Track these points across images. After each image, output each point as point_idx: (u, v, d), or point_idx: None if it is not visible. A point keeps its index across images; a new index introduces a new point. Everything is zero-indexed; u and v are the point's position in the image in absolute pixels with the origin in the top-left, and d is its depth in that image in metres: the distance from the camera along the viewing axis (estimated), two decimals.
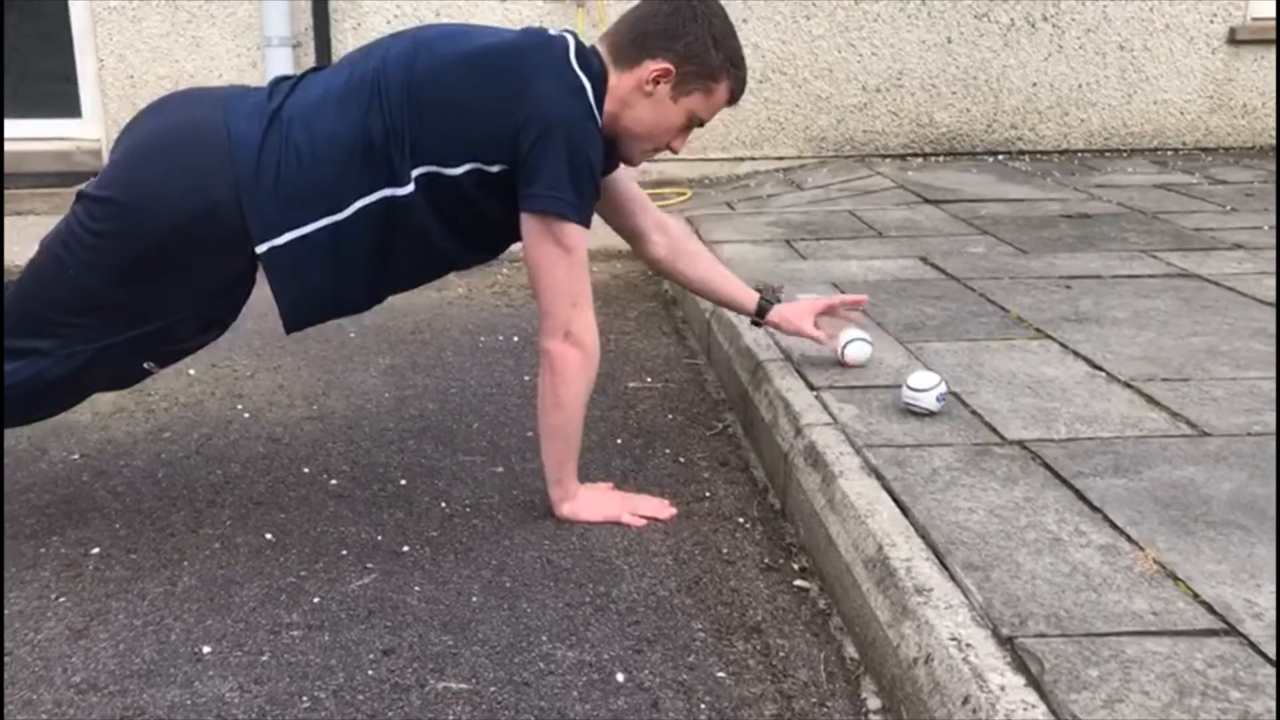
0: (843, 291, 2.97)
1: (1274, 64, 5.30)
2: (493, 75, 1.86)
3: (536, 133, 1.82)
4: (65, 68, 5.01)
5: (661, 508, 2.06)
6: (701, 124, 2.03)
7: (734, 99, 2.02)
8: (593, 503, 2.05)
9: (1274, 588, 1.49)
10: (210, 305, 1.93)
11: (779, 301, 2.36)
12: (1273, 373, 2.32)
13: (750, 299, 2.35)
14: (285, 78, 1.97)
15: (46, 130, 4.98)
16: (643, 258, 2.34)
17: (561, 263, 1.89)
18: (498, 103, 1.84)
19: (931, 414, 2.10)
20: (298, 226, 1.84)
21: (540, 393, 1.98)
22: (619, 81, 1.93)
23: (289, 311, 1.93)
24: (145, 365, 1.96)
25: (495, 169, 1.87)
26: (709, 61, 1.93)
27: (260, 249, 1.83)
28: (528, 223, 1.88)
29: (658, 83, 1.92)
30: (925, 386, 2.11)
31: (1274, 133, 5.39)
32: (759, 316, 2.36)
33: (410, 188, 1.86)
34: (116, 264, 1.82)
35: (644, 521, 2.03)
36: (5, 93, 4.82)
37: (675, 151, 2.06)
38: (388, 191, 1.85)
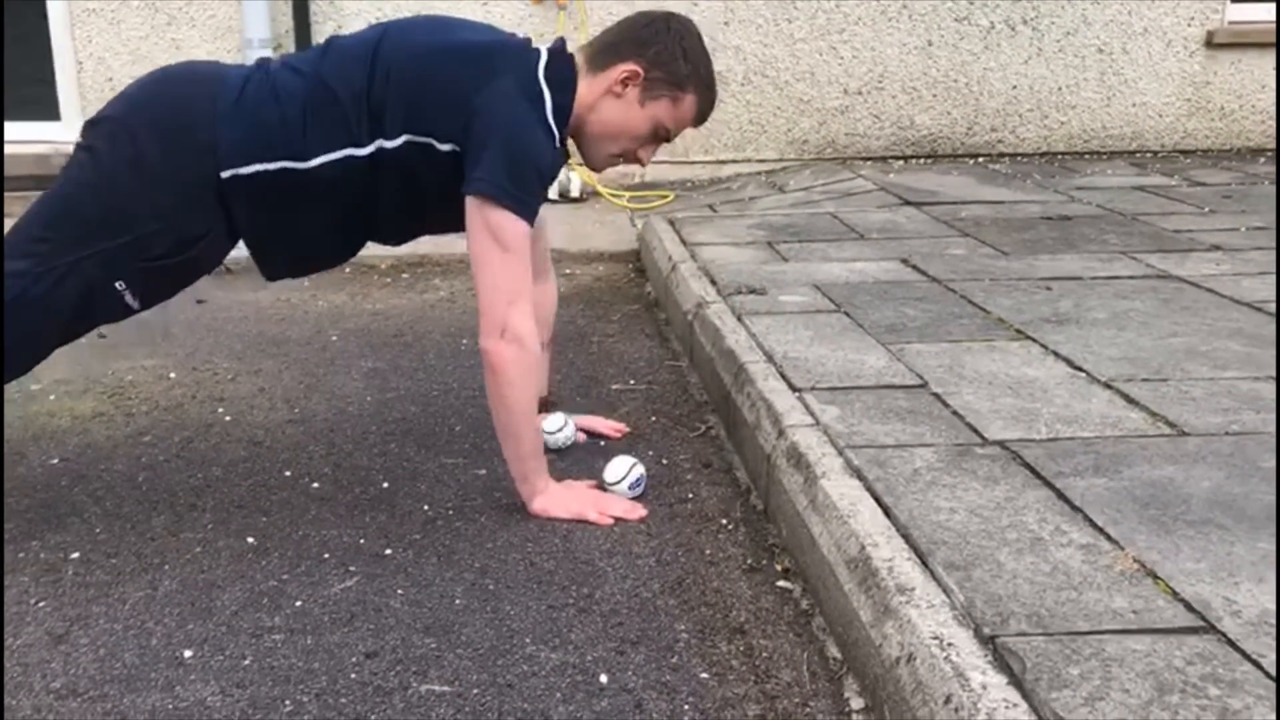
0: (824, 294, 2.98)
1: (1250, 67, 5.35)
2: (460, 64, 1.95)
3: (484, 125, 1.91)
4: (43, 70, 4.98)
5: (632, 509, 2.06)
6: (669, 138, 2.10)
7: (702, 116, 2.10)
8: (561, 499, 2.06)
9: (1251, 585, 1.50)
10: (180, 221, 1.95)
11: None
12: (1250, 372, 2.34)
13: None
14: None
15: (24, 133, 4.94)
16: None
17: (497, 257, 1.93)
18: (457, 86, 1.93)
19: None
20: (261, 162, 1.93)
21: (488, 394, 2.00)
22: (590, 86, 2.02)
23: (256, 249, 2.05)
24: (118, 285, 1.95)
25: (445, 148, 1.94)
26: (677, 70, 2.02)
27: (224, 174, 1.92)
28: (468, 211, 1.94)
29: (626, 84, 2.01)
30: (617, 478, 2.12)
31: (1251, 135, 5.44)
32: None
33: (368, 150, 1.95)
34: (100, 173, 1.94)
35: (611, 520, 2.03)
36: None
37: (642, 164, 2.14)
38: (349, 151, 1.94)
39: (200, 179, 1.93)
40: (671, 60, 2.01)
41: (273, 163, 1.93)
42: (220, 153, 1.92)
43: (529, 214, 1.94)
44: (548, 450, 2.21)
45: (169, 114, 1.96)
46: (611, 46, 2.03)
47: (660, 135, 2.07)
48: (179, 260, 1.98)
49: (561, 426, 2.33)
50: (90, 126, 1.98)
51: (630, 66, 2.00)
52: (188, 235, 1.96)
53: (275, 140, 1.93)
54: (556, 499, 2.05)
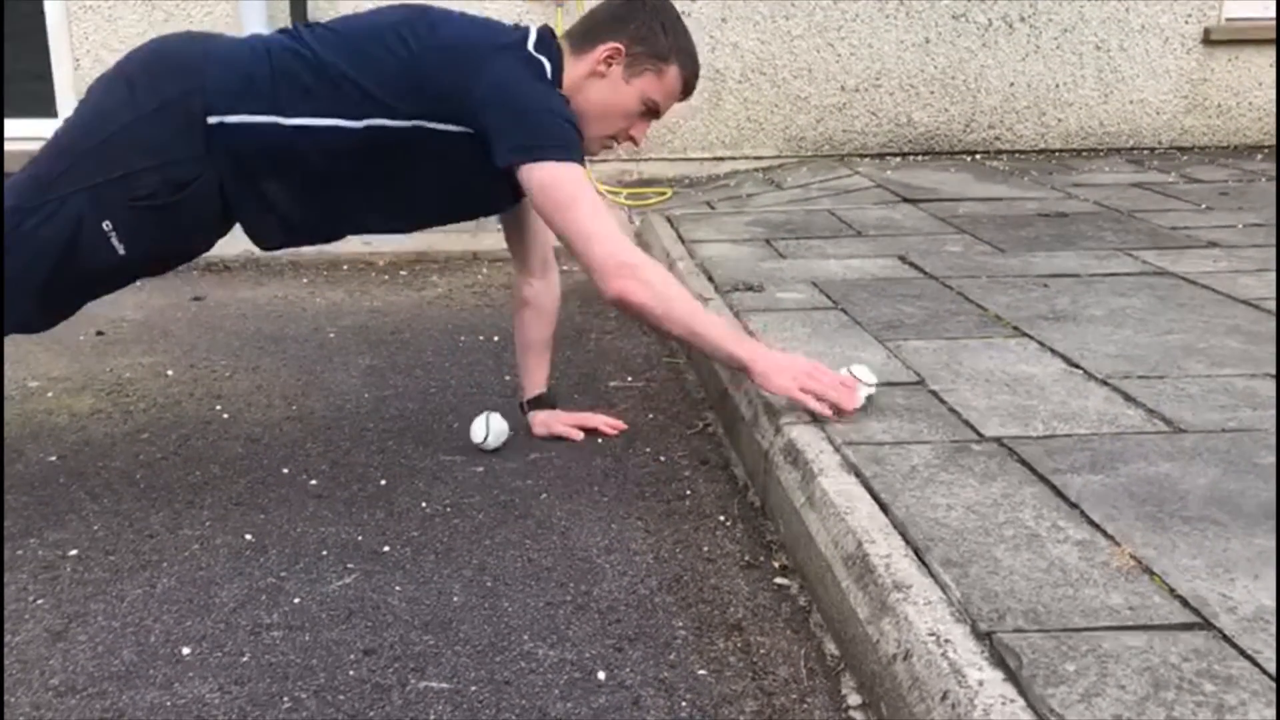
0: (821, 291, 2.98)
1: (1247, 64, 5.35)
2: (449, 60, 1.97)
3: (489, 101, 1.94)
4: (40, 67, 4.97)
5: (849, 396, 2.02)
6: (658, 113, 2.13)
7: (688, 87, 2.13)
8: (782, 367, 2.02)
9: (1248, 581, 1.51)
10: (168, 159, 1.96)
11: (544, 408, 2.41)
12: (1247, 370, 2.34)
13: (535, 386, 2.41)
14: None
15: (21, 130, 4.93)
16: (515, 285, 2.42)
17: (564, 215, 1.95)
18: (451, 79, 1.95)
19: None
20: (247, 113, 1.94)
21: (658, 330, 2.01)
22: (575, 69, 2.06)
23: (242, 211, 2.05)
24: (105, 225, 1.95)
25: (457, 129, 1.97)
26: (658, 43, 2.06)
27: (211, 120, 1.93)
28: (524, 184, 1.96)
29: (609, 63, 2.05)
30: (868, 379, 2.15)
31: (1248, 132, 5.45)
32: (528, 405, 2.42)
33: (360, 124, 1.96)
34: (95, 113, 1.98)
35: (828, 410, 2.01)
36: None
37: (636, 142, 2.16)
38: (337, 121, 1.96)
39: (188, 119, 1.95)
40: (651, 35, 2.05)
41: (258, 115, 1.95)
42: (208, 96, 1.94)
43: (569, 154, 1.95)
44: (484, 450, 2.32)
45: (162, 62, 2.01)
46: (590, 29, 2.08)
47: (651, 111, 2.10)
48: (167, 204, 1.97)
49: (503, 432, 2.34)
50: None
51: (612, 45, 2.04)
52: (175, 178, 1.96)
53: (262, 93, 1.94)
54: (775, 367, 2.01)
